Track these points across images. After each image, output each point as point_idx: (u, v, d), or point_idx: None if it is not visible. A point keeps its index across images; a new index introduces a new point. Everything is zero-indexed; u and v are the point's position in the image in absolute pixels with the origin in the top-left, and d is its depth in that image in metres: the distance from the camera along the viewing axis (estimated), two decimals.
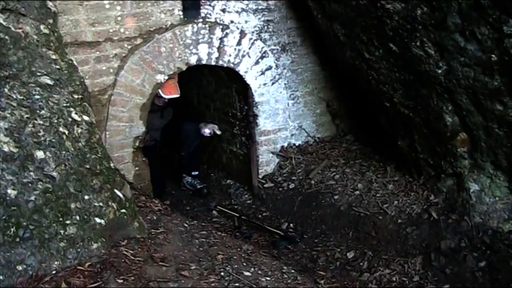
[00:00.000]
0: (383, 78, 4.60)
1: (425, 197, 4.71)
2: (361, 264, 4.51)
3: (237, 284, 3.25)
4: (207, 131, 6.19)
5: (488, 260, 4.03)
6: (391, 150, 5.23)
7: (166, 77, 5.12)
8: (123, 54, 4.89)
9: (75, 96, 3.59)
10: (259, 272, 3.52)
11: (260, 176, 5.92)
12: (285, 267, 3.76)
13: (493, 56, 3.60)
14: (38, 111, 3.23)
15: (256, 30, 5.54)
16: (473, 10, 3.53)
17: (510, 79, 3.61)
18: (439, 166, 4.58)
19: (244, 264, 3.57)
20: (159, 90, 5.39)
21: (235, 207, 5.79)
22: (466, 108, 4.06)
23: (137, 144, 5.07)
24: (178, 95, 5.70)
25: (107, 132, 4.90)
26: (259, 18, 5.53)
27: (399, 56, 4.28)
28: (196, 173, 6.49)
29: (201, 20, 5.20)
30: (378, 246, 4.58)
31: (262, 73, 5.60)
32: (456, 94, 4.03)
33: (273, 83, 5.75)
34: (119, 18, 4.81)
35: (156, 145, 6.14)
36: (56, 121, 3.28)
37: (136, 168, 5.09)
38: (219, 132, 6.24)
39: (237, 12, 5.39)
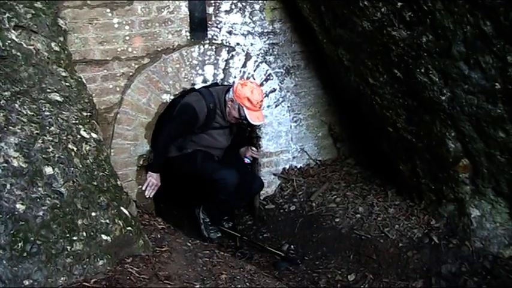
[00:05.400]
0: (387, 104, 4.65)
1: (426, 221, 4.73)
2: (362, 287, 4.51)
3: None
4: (246, 161, 5.64)
5: (489, 285, 4.05)
6: (392, 175, 5.27)
7: (172, 97, 5.16)
8: (130, 73, 4.94)
9: (84, 114, 3.64)
10: None
11: (261, 198, 5.92)
12: None
13: (496, 84, 3.65)
14: (47, 128, 3.27)
15: (262, 53, 5.61)
16: (478, 39, 3.59)
17: None
18: (440, 191, 4.62)
19: (248, 284, 3.58)
20: (246, 112, 4.91)
21: (237, 227, 5.79)
22: (468, 135, 4.11)
23: (141, 162, 5.09)
24: (263, 122, 5.38)
25: (112, 150, 4.92)
26: (265, 41, 5.60)
27: (403, 82, 4.34)
28: (216, 230, 5.59)
29: (207, 41, 5.27)
30: (378, 269, 4.59)
31: (266, 95, 5.64)
32: (459, 121, 4.08)
33: (276, 106, 5.80)
34: (127, 38, 4.87)
35: None
36: (65, 138, 3.32)
37: (140, 187, 5.10)
38: (257, 156, 5.75)
39: (243, 34, 5.46)
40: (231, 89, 5.04)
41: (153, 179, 5.12)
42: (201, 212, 5.55)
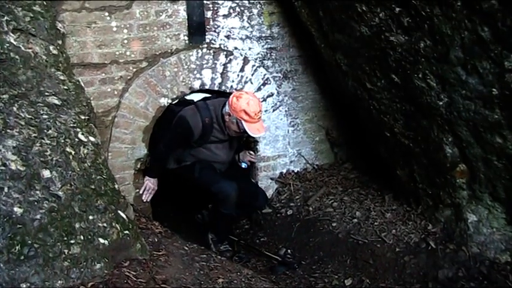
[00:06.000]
0: (384, 108, 4.66)
1: (423, 226, 4.73)
2: None
3: None
4: (243, 165, 5.54)
5: None
6: (389, 180, 5.27)
7: (169, 101, 5.16)
8: (128, 77, 4.95)
9: (82, 117, 3.64)
10: None
11: None
12: None
13: (493, 90, 3.66)
14: (45, 131, 3.27)
15: (259, 57, 5.62)
16: (475, 45, 3.60)
17: (510, 113, 3.67)
18: (437, 196, 4.62)
19: None
20: (245, 126, 4.72)
21: (234, 231, 5.77)
22: (466, 140, 4.12)
23: (138, 166, 5.09)
24: (264, 133, 5.19)
25: (109, 154, 4.93)
26: (263, 46, 5.61)
27: (401, 87, 4.35)
28: (213, 237, 5.36)
29: (205, 45, 5.28)
30: (375, 274, 4.58)
31: (264, 100, 5.65)
32: (456, 126, 4.09)
33: (274, 110, 5.81)
34: (125, 41, 4.88)
35: None
36: (62, 141, 3.32)
37: (137, 190, 5.11)
38: (255, 160, 5.72)
39: (241, 39, 5.47)
40: (227, 102, 4.84)
41: (150, 183, 5.11)
42: (209, 234, 5.34)
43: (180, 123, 4.88)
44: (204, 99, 5.17)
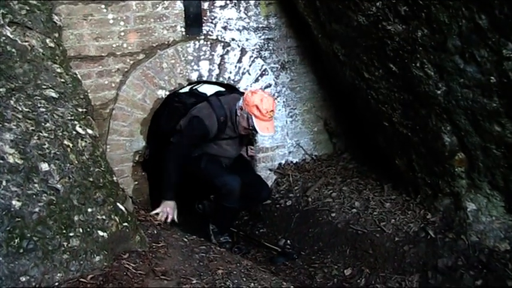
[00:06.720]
0: (382, 98, 4.65)
1: (422, 215, 4.74)
2: (358, 281, 4.52)
3: None
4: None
5: (485, 278, 4.05)
6: (388, 169, 5.27)
7: (167, 93, 5.15)
8: (126, 69, 4.94)
9: (79, 110, 3.63)
10: (259, 287, 3.53)
11: None
12: (285, 283, 3.77)
13: (492, 78, 3.65)
14: (43, 124, 3.26)
15: (257, 48, 5.61)
16: (473, 33, 3.59)
17: (508, 101, 3.67)
18: (436, 185, 4.62)
19: (244, 279, 3.57)
20: (254, 122, 4.67)
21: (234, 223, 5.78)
22: (464, 129, 4.11)
23: (137, 158, 5.09)
24: (273, 133, 5.22)
25: (108, 146, 4.92)
26: (260, 37, 5.60)
27: (399, 76, 4.34)
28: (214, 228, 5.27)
29: (202, 37, 5.27)
30: (375, 263, 4.59)
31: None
32: (455, 115, 4.09)
33: None
34: (122, 34, 4.86)
35: None
36: (60, 134, 3.31)
37: (136, 183, 5.11)
38: (254, 154, 5.83)
39: (238, 30, 5.45)
40: (241, 98, 4.83)
41: (169, 209, 4.62)
42: (210, 224, 5.24)
43: (196, 124, 4.82)
44: (217, 93, 5.15)
